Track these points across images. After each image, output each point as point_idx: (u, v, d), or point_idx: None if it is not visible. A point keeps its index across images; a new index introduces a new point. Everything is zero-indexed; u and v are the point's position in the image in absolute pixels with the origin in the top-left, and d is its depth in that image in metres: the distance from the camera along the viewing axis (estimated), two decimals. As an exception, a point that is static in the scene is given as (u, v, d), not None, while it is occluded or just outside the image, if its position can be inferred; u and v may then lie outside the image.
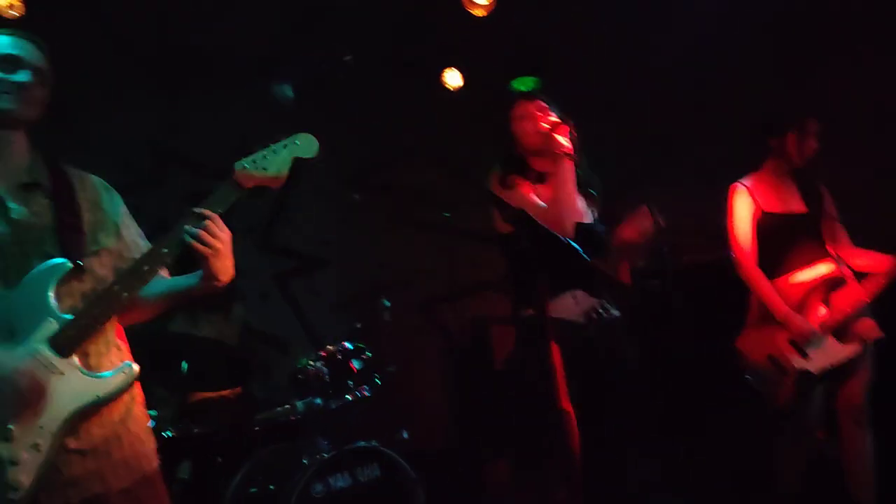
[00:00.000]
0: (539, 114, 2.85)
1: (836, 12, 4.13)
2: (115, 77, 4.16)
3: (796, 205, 3.33)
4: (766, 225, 3.30)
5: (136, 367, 1.85)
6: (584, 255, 1.61)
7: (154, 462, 1.96)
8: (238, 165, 1.93)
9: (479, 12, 4.21)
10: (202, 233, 1.83)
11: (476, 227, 3.72)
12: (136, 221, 2.07)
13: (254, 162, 1.94)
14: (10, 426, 1.68)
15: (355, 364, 3.51)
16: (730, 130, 4.26)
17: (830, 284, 3.19)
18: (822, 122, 3.32)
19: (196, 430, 3.39)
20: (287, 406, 3.54)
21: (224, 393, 3.84)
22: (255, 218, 4.10)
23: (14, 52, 1.87)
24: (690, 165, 4.48)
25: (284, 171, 1.95)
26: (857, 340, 3.12)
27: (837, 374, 3.15)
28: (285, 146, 1.96)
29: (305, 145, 1.97)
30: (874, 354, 3.17)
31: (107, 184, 2.06)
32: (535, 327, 2.55)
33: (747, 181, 3.38)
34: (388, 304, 3.92)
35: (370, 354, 3.56)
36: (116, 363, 1.86)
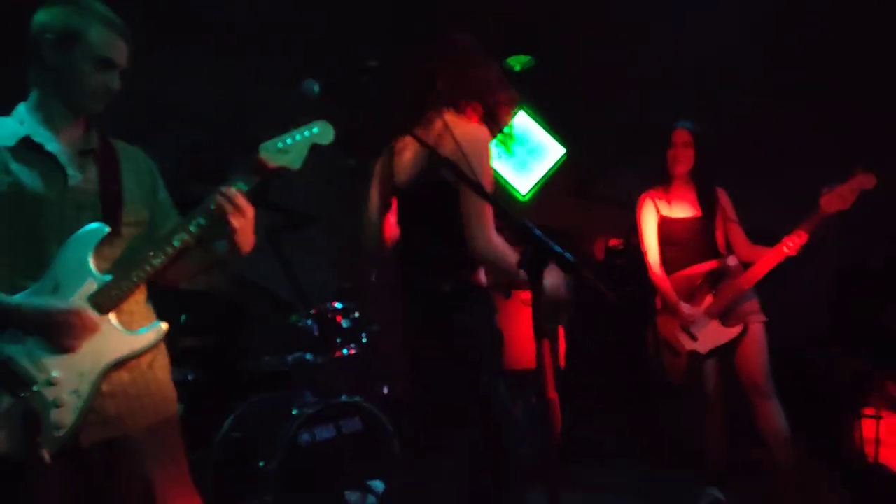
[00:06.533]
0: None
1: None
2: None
3: (691, 209, 3.75)
4: (666, 228, 3.78)
5: (164, 326, 2.08)
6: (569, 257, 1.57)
7: (175, 406, 2.18)
8: (261, 149, 2.07)
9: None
10: (228, 208, 2.01)
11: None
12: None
13: (276, 146, 2.08)
14: (54, 373, 1.90)
15: (343, 323, 3.73)
16: (720, 118, 4.41)
17: (717, 276, 3.65)
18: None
19: (190, 377, 3.59)
20: (275, 357, 3.75)
21: (216, 341, 4.02)
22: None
23: (113, 57, 2.02)
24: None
25: (303, 157, 2.10)
26: (741, 322, 3.59)
27: (727, 353, 3.63)
28: (306, 133, 2.11)
29: (323, 133, 2.12)
30: (766, 334, 3.59)
31: (147, 156, 2.24)
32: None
33: (651, 191, 3.84)
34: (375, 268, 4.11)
35: (357, 315, 3.76)
36: (146, 321, 2.09)
